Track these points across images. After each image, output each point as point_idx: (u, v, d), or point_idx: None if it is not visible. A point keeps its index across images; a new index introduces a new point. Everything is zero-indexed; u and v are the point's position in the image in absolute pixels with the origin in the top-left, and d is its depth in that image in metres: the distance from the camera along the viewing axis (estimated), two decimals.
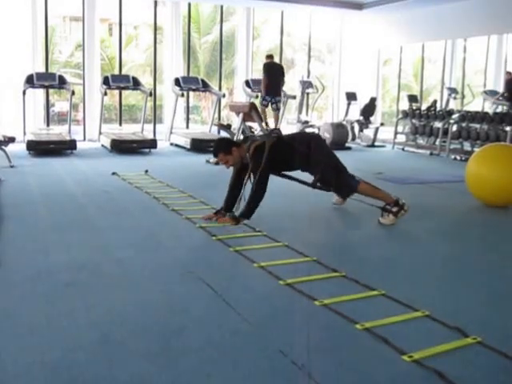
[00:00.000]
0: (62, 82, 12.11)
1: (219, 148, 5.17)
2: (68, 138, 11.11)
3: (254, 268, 3.81)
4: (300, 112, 14.35)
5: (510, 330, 2.96)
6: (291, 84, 16.98)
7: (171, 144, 12.84)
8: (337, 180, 5.28)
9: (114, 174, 7.97)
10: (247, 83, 13.72)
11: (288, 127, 14.40)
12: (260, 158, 4.93)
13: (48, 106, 14.10)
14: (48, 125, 13.52)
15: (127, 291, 3.37)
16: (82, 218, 5.32)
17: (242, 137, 11.32)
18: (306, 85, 14.38)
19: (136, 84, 12.72)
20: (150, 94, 12.85)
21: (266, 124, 11.68)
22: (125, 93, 15.58)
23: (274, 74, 12.02)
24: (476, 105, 16.61)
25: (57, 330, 2.79)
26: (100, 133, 12.53)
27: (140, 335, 2.74)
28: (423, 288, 3.60)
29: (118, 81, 12.63)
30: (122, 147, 11.11)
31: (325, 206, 5.95)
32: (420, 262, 4.18)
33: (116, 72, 14.70)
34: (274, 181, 5.24)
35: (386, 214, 5.18)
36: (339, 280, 3.63)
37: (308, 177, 5.45)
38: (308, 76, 15.92)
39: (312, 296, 3.27)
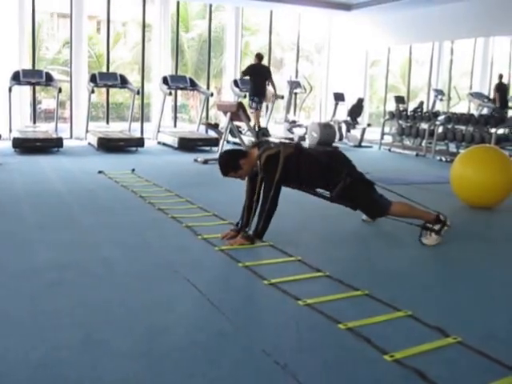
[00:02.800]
0: (49, 80, 12.07)
1: (227, 168, 4.50)
2: (54, 136, 11.07)
3: (239, 268, 3.83)
4: (288, 112, 14.39)
5: (490, 329, 2.99)
6: (279, 84, 16.99)
7: (159, 143, 12.83)
8: (364, 195, 4.64)
9: (100, 172, 7.96)
10: (235, 83, 13.73)
11: (276, 127, 14.42)
12: (272, 169, 4.31)
13: (34, 103, 14.04)
14: (34, 122, 13.47)
15: (112, 290, 3.38)
16: (67, 217, 5.31)
17: (229, 136, 11.37)
18: (294, 85, 14.42)
19: (123, 82, 12.69)
20: (138, 93, 12.83)
21: (259, 127, 11.73)
22: (112, 91, 15.55)
23: (259, 75, 12.00)
24: (462, 106, 16.72)
25: (41, 329, 2.79)
26: (87, 131, 12.50)
27: (124, 335, 2.75)
28: (406, 288, 3.63)
29: (105, 79, 12.60)
30: (108, 145, 11.08)
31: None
32: (404, 263, 4.22)
33: (104, 70, 14.65)
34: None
35: (428, 234, 4.59)
36: (323, 280, 3.66)
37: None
38: (296, 76, 15.96)
39: (296, 296, 3.29)
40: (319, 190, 4.74)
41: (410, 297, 3.43)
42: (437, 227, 4.58)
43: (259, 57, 12.21)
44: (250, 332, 2.82)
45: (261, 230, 4.39)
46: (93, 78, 12.36)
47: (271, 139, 9.12)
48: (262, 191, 4.42)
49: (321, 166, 4.55)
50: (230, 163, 4.49)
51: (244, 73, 12.07)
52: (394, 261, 4.27)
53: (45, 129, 12.58)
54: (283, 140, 4.66)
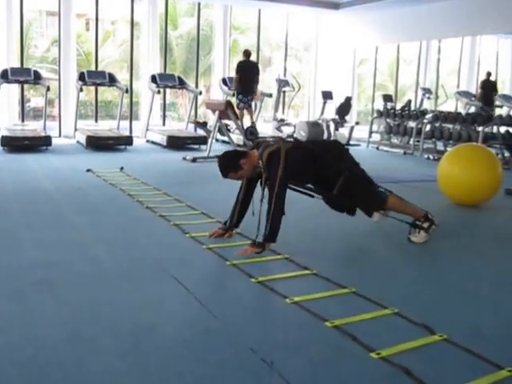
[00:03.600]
0: (38, 78, 12.01)
1: (227, 168, 4.32)
2: (43, 134, 11.02)
3: (227, 266, 3.84)
4: (276, 110, 14.41)
5: (475, 327, 3.02)
6: (268, 82, 17.02)
7: (147, 141, 12.81)
8: (364, 190, 4.55)
9: (88, 170, 7.94)
10: (224, 81, 13.73)
11: (264, 125, 14.43)
12: (276, 165, 4.12)
13: (23, 101, 13.99)
14: (23, 120, 13.43)
15: (99, 289, 3.38)
16: (55, 215, 5.30)
17: (218, 135, 11.38)
18: (283, 83, 14.44)
19: (112, 80, 12.67)
20: (127, 91, 12.80)
21: (252, 122, 11.74)
22: (101, 89, 15.50)
23: (248, 72, 12.02)
24: (449, 105, 16.79)
25: (27, 327, 2.79)
26: (75, 129, 12.46)
27: (111, 333, 2.75)
28: (393, 286, 3.65)
29: (93, 77, 12.57)
30: (97, 144, 11.06)
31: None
32: (391, 261, 4.24)
33: (93, 68, 14.61)
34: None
35: (417, 231, 4.60)
36: (310, 278, 3.67)
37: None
38: (284, 74, 15.98)
39: (283, 294, 3.30)
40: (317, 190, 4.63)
41: (396, 294, 3.45)
42: (425, 225, 4.59)
43: (247, 53, 12.22)
44: (237, 330, 2.83)
45: (271, 233, 4.08)
46: (81, 77, 12.33)
47: (262, 136, 9.10)
48: (267, 192, 4.18)
49: (319, 160, 4.42)
50: (230, 163, 4.32)
51: (236, 73, 12.08)
52: (382, 259, 4.29)
53: (33, 127, 12.53)
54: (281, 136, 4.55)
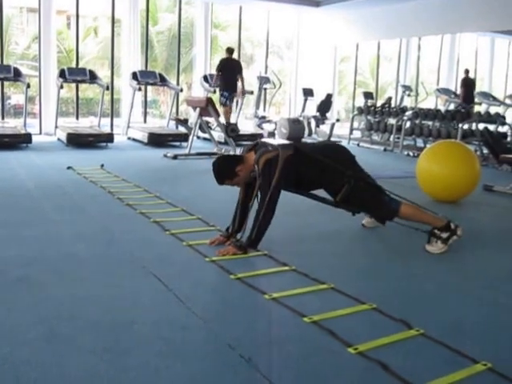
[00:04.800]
0: (17, 75, 11.93)
1: (222, 176, 4.21)
2: (23, 132, 10.96)
3: (206, 263, 3.85)
4: (257, 107, 14.43)
5: (452, 321, 3.05)
6: (250, 79, 17.04)
7: (128, 138, 12.78)
8: (371, 198, 4.37)
9: (69, 168, 7.90)
10: (205, 78, 13.72)
11: (246, 122, 14.44)
12: (271, 174, 3.99)
13: (3, 98, 13.86)
14: (3, 118, 13.30)
15: (77, 286, 3.37)
16: (34, 213, 5.27)
17: (199, 132, 11.37)
18: (264, 80, 14.46)
19: (93, 77, 12.60)
20: (107, 88, 12.74)
21: (228, 123, 11.74)
22: (83, 86, 15.43)
23: (230, 70, 12.03)
24: (430, 102, 16.92)
25: (3, 325, 2.78)
26: (56, 126, 12.39)
27: (89, 330, 2.75)
28: (372, 281, 3.68)
29: (74, 74, 12.49)
30: (78, 141, 11.01)
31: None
32: (370, 257, 4.28)
33: (74, 65, 14.52)
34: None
35: (434, 241, 4.33)
36: (289, 274, 3.69)
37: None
38: (266, 72, 15.99)
39: (262, 290, 3.32)
40: (320, 194, 4.51)
41: (374, 290, 3.49)
42: (444, 235, 4.30)
43: (230, 51, 12.23)
44: (216, 326, 2.84)
45: (255, 239, 4.04)
46: (62, 74, 12.25)
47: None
48: (259, 198, 4.08)
49: (321, 168, 4.26)
50: (226, 171, 4.19)
51: (217, 69, 12.09)
52: (360, 255, 4.32)
53: (13, 124, 12.44)
54: (281, 142, 4.33)
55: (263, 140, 4.43)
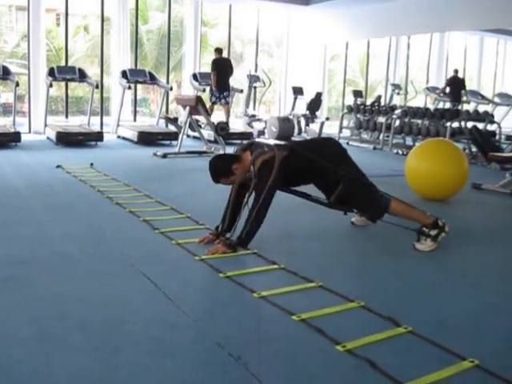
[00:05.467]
0: (6, 73, 11.86)
1: (218, 174, 4.18)
2: (12, 130, 10.89)
3: (195, 261, 3.86)
4: (247, 106, 14.43)
5: (439, 319, 3.07)
6: (239, 78, 17.04)
7: (118, 137, 12.74)
8: (364, 197, 4.38)
9: (58, 167, 7.88)
10: (195, 76, 13.71)
11: (236, 120, 14.44)
12: (267, 175, 3.99)
13: None
14: None
15: (68, 285, 3.37)
16: (24, 212, 5.26)
17: (189, 131, 11.36)
18: (254, 79, 14.46)
19: (82, 76, 12.56)
20: (97, 87, 12.70)
21: (227, 119, 11.77)
22: (72, 84, 15.39)
23: (222, 68, 12.07)
24: (419, 100, 16.98)
25: None
26: (45, 125, 12.34)
27: (79, 330, 2.75)
28: (360, 279, 3.71)
29: (63, 72, 12.44)
30: (67, 140, 10.97)
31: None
32: (357, 255, 4.30)
33: (63, 63, 14.47)
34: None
35: (423, 238, 4.32)
36: (278, 272, 3.70)
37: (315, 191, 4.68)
38: (255, 70, 16.00)
39: (251, 288, 3.33)
40: (315, 195, 4.55)
41: (363, 288, 3.51)
42: (433, 233, 4.31)
43: (219, 51, 12.27)
44: (205, 325, 2.85)
45: (245, 238, 4.03)
46: (51, 72, 12.19)
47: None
48: (253, 198, 4.07)
49: (315, 168, 4.26)
50: (222, 169, 4.16)
51: (212, 69, 12.14)
52: (349, 253, 4.34)
53: (2, 123, 12.38)
54: (276, 142, 4.31)
55: (258, 140, 4.40)
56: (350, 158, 4.46)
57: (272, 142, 4.35)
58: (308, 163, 4.23)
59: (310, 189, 4.61)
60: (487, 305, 3.34)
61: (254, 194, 4.07)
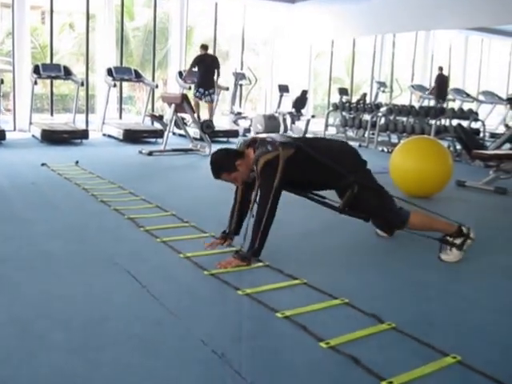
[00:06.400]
0: None
1: (220, 168, 3.90)
2: None
3: (180, 258, 3.86)
4: (233, 103, 14.42)
5: (423, 315, 3.10)
6: (225, 75, 17.04)
7: (104, 135, 12.69)
8: (376, 204, 4.04)
9: (43, 165, 7.83)
10: (180, 74, 13.68)
11: (222, 118, 14.44)
12: (271, 176, 3.70)
13: None
14: None
15: (51, 284, 3.36)
16: (7, 211, 5.23)
17: (175, 129, 11.33)
18: (239, 76, 14.45)
19: (67, 73, 12.50)
20: (82, 84, 12.64)
21: (198, 116, 11.73)
22: (58, 82, 15.30)
23: (206, 66, 12.04)
24: (404, 98, 17.05)
25: None
26: (31, 123, 12.27)
27: (62, 328, 2.74)
28: (345, 276, 3.71)
29: (48, 70, 12.38)
30: (52, 137, 10.90)
31: None
32: (342, 253, 4.29)
33: (48, 61, 14.39)
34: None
35: (448, 248, 4.05)
36: (263, 270, 3.71)
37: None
38: (241, 68, 15.99)
39: (235, 285, 3.35)
40: (326, 199, 4.21)
41: (347, 285, 3.52)
42: (458, 241, 4.02)
43: (204, 47, 12.24)
44: (189, 322, 2.85)
45: (259, 248, 3.72)
46: (36, 70, 12.13)
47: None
48: (258, 200, 3.77)
49: (322, 170, 3.93)
50: (225, 163, 3.89)
51: (192, 65, 12.09)
52: (332, 251, 4.33)
53: None
54: (282, 138, 3.86)
55: (263, 136, 4.07)
56: (363, 165, 4.11)
57: (278, 137, 4.00)
58: (315, 165, 3.90)
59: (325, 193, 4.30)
60: (470, 301, 3.37)
61: (259, 197, 3.78)
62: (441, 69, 16.52)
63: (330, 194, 4.17)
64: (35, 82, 12.12)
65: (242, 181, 3.96)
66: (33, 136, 11.81)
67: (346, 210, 4.06)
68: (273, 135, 4.08)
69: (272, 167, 3.71)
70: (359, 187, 3.91)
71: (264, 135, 4.05)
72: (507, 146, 9.85)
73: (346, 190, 3.95)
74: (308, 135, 13.40)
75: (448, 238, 4.04)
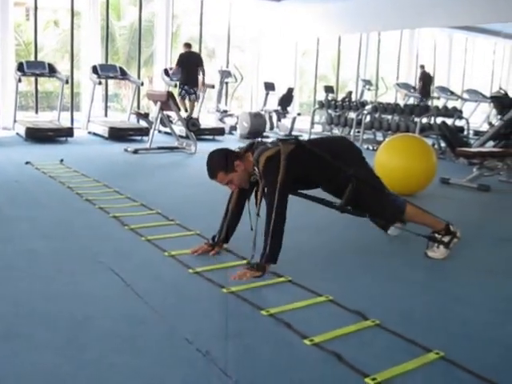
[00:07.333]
0: None
1: (217, 166, 3.71)
2: None
3: (165, 257, 3.86)
4: (219, 101, 14.42)
5: (407, 312, 3.12)
6: (211, 73, 17.03)
7: (89, 133, 12.61)
8: (375, 200, 4.00)
9: (27, 163, 7.78)
10: (166, 72, 13.65)
11: (208, 116, 14.42)
12: (275, 172, 3.53)
13: None
14: None
15: (35, 282, 3.35)
16: None
17: (160, 126, 11.31)
18: (225, 74, 14.45)
19: (52, 71, 12.42)
20: (67, 82, 12.57)
21: (190, 114, 11.73)
22: (43, 79, 15.20)
23: (190, 63, 12.02)
24: (390, 96, 17.11)
25: None
26: (15, 121, 12.19)
27: (46, 327, 2.74)
28: (329, 274, 3.72)
29: (33, 67, 12.29)
30: (37, 135, 10.82)
31: None
32: (325, 250, 4.30)
33: (33, 58, 14.30)
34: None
35: (436, 246, 4.07)
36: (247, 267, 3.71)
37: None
38: (227, 65, 15.98)
39: (220, 284, 3.35)
40: (326, 198, 4.09)
41: (332, 282, 3.53)
42: (446, 239, 4.05)
43: (188, 45, 12.22)
44: (174, 321, 2.86)
45: (272, 253, 3.52)
46: (20, 67, 12.04)
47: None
48: (265, 202, 3.60)
49: (322, 165, 3.85)
50: (222, 161, 3.69)
51: (177, 63, 12.07)
52: (318, 248, 4.34)
53: None
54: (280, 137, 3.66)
55: (261, 140, 3.97)
56: (363, 160, 4.07)
57: (276, 138, 3.89)
58: (315, 160, 3.82)
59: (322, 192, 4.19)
60: (454, 297, 3.39)
61: (265, 198, 3.61)
62: (422, 67, 16.62)
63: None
64: (19, 80, 12.03)
65: (239, 185, 3.80)
66: (17, 134, 11.72)
67: (347, 207, 3.98)
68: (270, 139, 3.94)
69: (274, 163, 3.56)
70: (358, 181, 3.84)
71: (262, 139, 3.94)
72: (491, 143, 9.91)
73: (346, 186, 3.86)
74: (294, 133, 13.46)
75: (436, 235, 4.07)
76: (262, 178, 3.62)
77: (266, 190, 3.60)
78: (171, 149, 9.90)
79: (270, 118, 14.17)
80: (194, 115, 12.33)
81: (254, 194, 3.84)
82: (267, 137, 11.46)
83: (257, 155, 3.65)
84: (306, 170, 3.82)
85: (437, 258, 4.05)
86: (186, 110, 11.78)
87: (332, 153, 3.87)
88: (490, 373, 2.43)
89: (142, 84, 13.74)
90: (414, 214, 4.05)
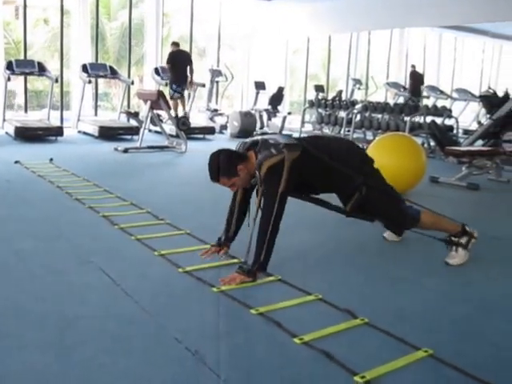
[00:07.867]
0: None
1: (220, 171, 3.56)
2: None
3: (155, 256, 3.85)
4: (209, 100, 14.41)
5: (396, 310, 3.14)
6: (201, 72, 17.01)
7: (79, 132, 12.58)
8: (384, 205, 3.88)
9: (16, 162, 7.75)
10: (156, 71, 13.63)
11: (198, 115, 14.41)
12: (276, 183, 3.42)
13: None
14: None
15: (24, 282, 3.34)
16: None
17: (150, 125, 11.28)
18: (216, 73, 14.43)
19: (41, 70, 12.36)
20: (56, 81, 12.51)
21: (176, 113, 11.70)
22: (32, 78, 15.13)
23: (179, 62, 11.99)
24: (380, 95, 17.15)
25: None
26: (4, 120, 12.13)
27: (35, 327, 2.73)
28: (318, 272, 3.73)
29: (22, 66, 12.23)
30: (26, 135, 10.78)
31: None
32: (315, 249, 4.31)
33: (22, 56, 14.24)
34: None
35: (454, 250, 3.95)
36: (237, 267, 3.71)
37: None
38: (218, 64, 15.97)
39: (210, 283, 3.35)
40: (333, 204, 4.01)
41: (321, 281, 3.54)
42: (464, 240, 3.94)
43: (176, 44, 12.19)
44: (163, 320, 2.86)
45: (264, 260, 3.47)
46: (9, 66, 11.98)
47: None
48: (262, 209, 3.51)
49: (329, 172, 3.72)
50: (225, 166, 3.55)
51: (168, 62, 12.05)
52: (307, 247, 4.35)
53: None
54: (285, 139, 3.47)
55: (264, 138, 3.74)
56: (371, 163, 3.98)
57: (281, 138, 3.69)
58: (321, 166, 3.68)
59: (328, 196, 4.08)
60: (442, 295, 3.42)
61: (262, 204, 3.52)
62: (413, 66, 16.68)
63: (331, 196, 4.05)
64: (8, 79, 11.98)
65: (240, 187, 3.73)
66: (6, 133, 11.66)
67: (353, 212, 3.90)
68: (275, 136, 3.78)
69: (276, 173, 3.44)
70: (367, 188, 3.74)
71: (266, 136, 3.77)
72: (480, 142, 9.96)
73: (354, 193, 3.76)
74: (284, 132, 13.45)
75: (453, 238, 3.96)
76: (261, 184, 3.52)
77: (263, 196, 3.51)
78: (161, 148, 9.90)
79: (261, 117, 14.16)
80: (185, 114, 12.30)
81: (255, 192, 3.77)
82: (266, 133, 11.48)
83: (259, 161, 3.51)
84: (310, 176, 3.72)
85: (458, 263, 3.94)
86: (170, 108, 11.72)
87: (339, 158, 3.73)
88: (477, 371, 2.44)
89: (133, 83, 13.71)
90: (429, 222, 3.94)
